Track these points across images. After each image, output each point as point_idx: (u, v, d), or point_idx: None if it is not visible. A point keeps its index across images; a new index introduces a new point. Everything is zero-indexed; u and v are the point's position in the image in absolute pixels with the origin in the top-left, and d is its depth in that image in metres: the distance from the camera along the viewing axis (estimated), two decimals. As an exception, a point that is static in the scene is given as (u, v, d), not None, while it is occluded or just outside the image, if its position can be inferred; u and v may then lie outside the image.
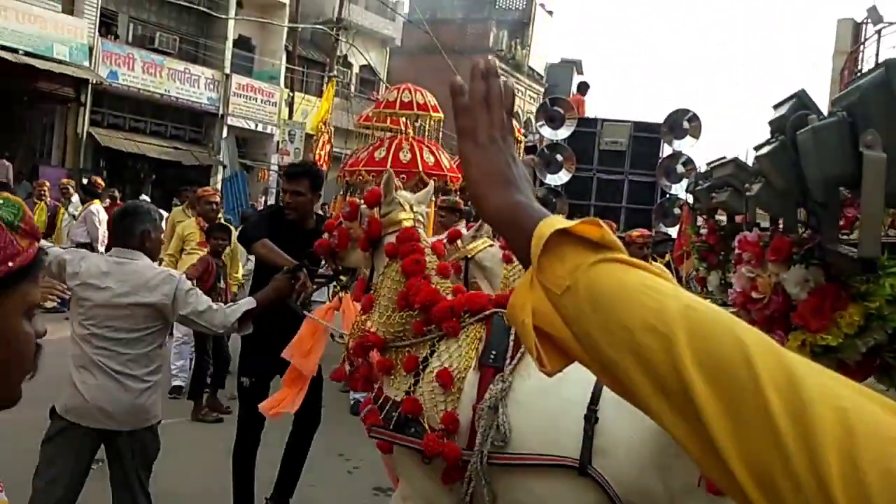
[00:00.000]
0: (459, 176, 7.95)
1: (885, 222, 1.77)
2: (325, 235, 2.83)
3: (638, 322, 0.60)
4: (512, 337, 2.26)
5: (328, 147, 9.20)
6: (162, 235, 3.39)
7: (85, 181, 10.52)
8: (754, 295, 1.68)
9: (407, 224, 2.55)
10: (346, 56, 22.15)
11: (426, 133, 8.09)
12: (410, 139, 7.62)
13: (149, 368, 2.81)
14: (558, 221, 0.69)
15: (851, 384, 0.53)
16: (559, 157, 9.81)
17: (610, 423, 2.02)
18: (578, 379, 2.04)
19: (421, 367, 2.33)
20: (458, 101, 0.82)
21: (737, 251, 1.82)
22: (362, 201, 2.71)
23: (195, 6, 19.21)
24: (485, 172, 0.78)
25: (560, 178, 9.78)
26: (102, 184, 10.02)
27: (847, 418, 0.49)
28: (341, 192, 9.54)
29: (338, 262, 2.83)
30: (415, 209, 2.62)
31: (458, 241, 3.91)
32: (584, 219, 0.67)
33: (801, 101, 1.56)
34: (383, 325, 2.43)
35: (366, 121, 9.21)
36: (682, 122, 9.84)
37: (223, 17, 19.59)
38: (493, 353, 2.26)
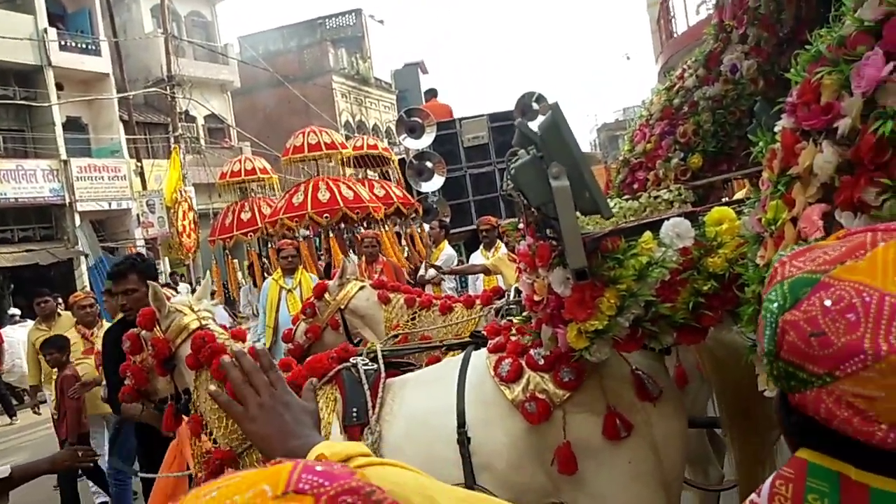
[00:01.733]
0: (381, 205, 8.02)
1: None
2: (126, 382, 2.58)
3: None
4: (367, 387, 2.28)
5: (191, 214, 8.89)
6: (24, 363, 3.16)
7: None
8: (535, 298, 1.86)
9: (193, 326, 2.45)
10: (187, 111, 21.32)
11: (331, 171, 8.17)
12: (326, 179, 7.58)
13: None
14: (321, 448, 0.81)
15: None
16: (429, 164, 10.00)
17: (482, 439, 2.11)
18: (439, 408, 2.16)
19: None
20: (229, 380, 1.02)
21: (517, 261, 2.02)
22: (138, 328, 2.53)
23: (12, 101, 17.85)
24: (264, 437, 0.96)
25: (434, 183, 9.97)
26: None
27: None
28: (221, 256, 9.26)
29: (154, 399, 2.64)
30: (195, 308, 2.53)
31: (326, 295, 3.77)
32: (344, 444, 0.79)
33: (521, 130, 1.73)
34: (224, 436, 2.31)
35: (233, 176, 9.07)
36: (532, 105, 10.31)
37: (45, 104, 18.29)
38: (355, 409, 2.26)
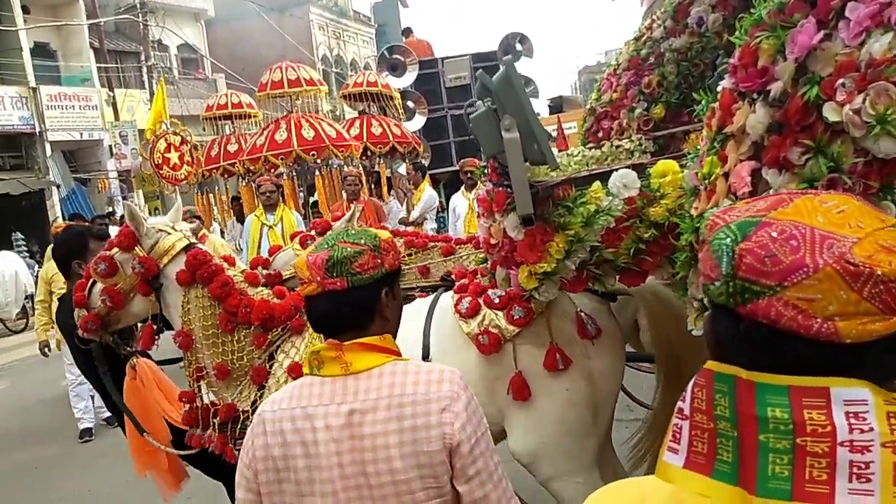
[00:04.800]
0: (360, 144, 7.88)
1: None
2: (84, 312, 2.51)
3: None
4: None
5: (185, 147, 8.67)
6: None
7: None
8: (492, 241, 1.99)
9: (181, 245, 2.46)
10: (159, 40, 20.68)
11: (310, 108, 8.00)
12: (307, 116, 7.46)
13: None
14: None
15: None
16: (410, 104, 9.93)
17: None
18: (409, 339, 2.28)
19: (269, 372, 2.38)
20: None
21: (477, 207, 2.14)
22: (114, 249, 2.48)
23: (-26, 24, 17.16)
24: None
25: (415, 123, 9.92)
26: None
27: None
28: (205, 190, 9.16)
29: (112, 330, 2.57)
30: (177, 227, 2.53)
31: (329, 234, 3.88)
32: None
33: (482, 82, 1.78)
34: (219, 353, 2.40)
35: (220, 108, 8.92)
36: (515, 45, 10.21)
37: (11, 28, 17.59)
38: None
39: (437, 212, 8.41)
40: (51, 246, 5.33)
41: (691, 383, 0.79)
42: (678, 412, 0.79)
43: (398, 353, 1.42)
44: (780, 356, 0.71)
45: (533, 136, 1.57)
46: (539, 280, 1.83)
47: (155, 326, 2.53)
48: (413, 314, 2.46)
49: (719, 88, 1.57)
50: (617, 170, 1.79)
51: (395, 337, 1.44)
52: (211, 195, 9.37)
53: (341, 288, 1.35)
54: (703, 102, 1.62)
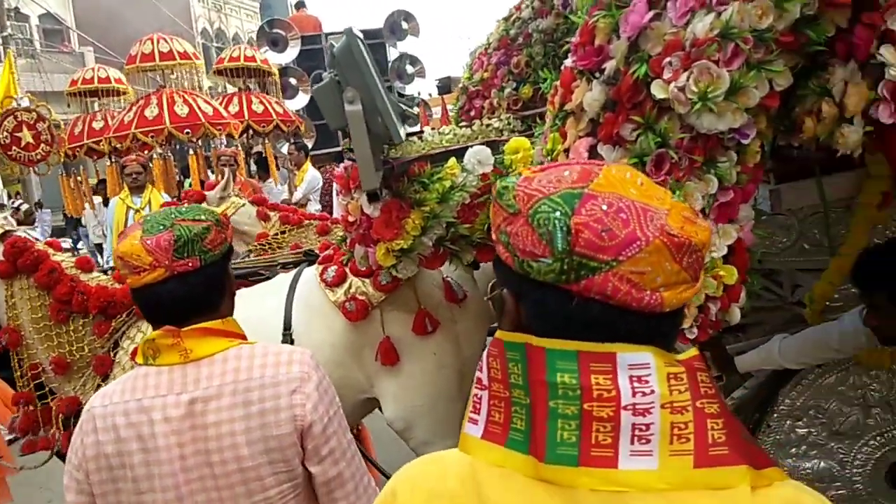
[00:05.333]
0: (238, 122, 7.56)
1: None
2: None
3: None
4: None
5: (43, 124, 7.97)
6: None
7: None
8: (350, 218, 1.99)
9: None
10: (17, 9, 18.93)
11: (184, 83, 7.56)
12: (180, 92, 7.04)
13: None
14: None
15: None
16: (293, 81, 9.59)
17: (304, 339, 2.29)
18: (269, 314, 2.27)
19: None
20: None
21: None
22: None
23: None
24: None
25: (299, 101, 9.62)
26: None
27: None
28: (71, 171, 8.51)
29: None
30: None
31: (203, 205, 3.76)
32: None
33: (332, 52, 1.75)
34: (55, 347, 2.27)
35: (85, 83, 8.29)
36: (401, 23, 10.10)
37: None
38: None
39: (322, 194, 8.27)
40: None
41: (485, 353, 0.79)
42: (477, 382, 0.79)
43: (243, 336, 1.37)
44: (614, 331, 0.71)
45: (376, 110, 1.55)
46: (396, 257, 1.83)
47: None
48: (270, 292, 2.44)
49: (563, 67, 1.62)
50: (471, 146, 1.81)
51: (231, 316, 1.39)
52: (78, 177, 8.73)
53: (193, 268, 1.28)
54: (548, 81, 1.66)
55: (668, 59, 1.42)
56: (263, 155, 8.58)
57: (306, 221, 3.47)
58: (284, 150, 8.53)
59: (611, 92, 1.48)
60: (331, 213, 7.37)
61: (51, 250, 2.33)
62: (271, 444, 1.25)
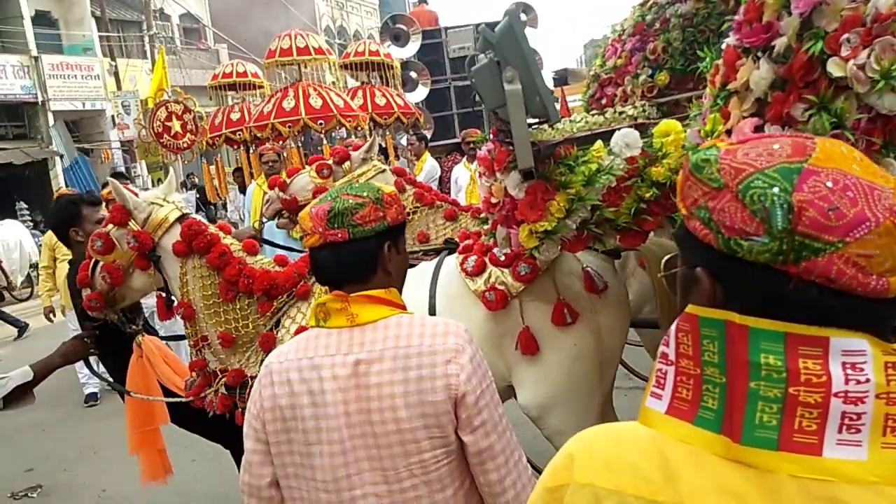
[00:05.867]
0: (366, 115, 7.83)
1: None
2: (88, 290, 2.52)
3: None
4: None
5: (188, 116, 8.59)
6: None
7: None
8: (493, 200, 1.98)
9: (174, 216, 2.45)
10: (161, 9, 20.49)
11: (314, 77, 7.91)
12: (314, 85, 7.38)
13: None
14: None
15: None
16: (413, 74, 9.83)
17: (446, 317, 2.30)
18: (414, 301, 2.24)
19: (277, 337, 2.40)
20: None
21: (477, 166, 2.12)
22: (109, 226, 2.47)
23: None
24: None
25: (418, 94, 9.83)
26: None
27: None
28: (211, 159, 9.09)
29: (118, 307, 2.59)
30: (170, 199, 2.52)
31: (347, 164, 3.60)
32: None
33: (484, 36, 1.76)
34: (222, 322, 2.41)
35: (225, 77, 8.83)
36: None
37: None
38: None
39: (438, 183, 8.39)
40: None
41: (673, 328, 0.76)
42: (662, 357, 0.77)
43: (403, 307, 1.44)
44: (828, 315, 0.67)
45: (535, 89, 1.57)
46: (539, 239, 1.83)
47: (164, 297, 2.55)
48: (418, 276, 2.49)
49: (724, 46, 1.56)
50: (619, 129, 1.78)
51: (400, 293, 1.46)
52: (216, 165, 9.35)
53: (342, 239, 1.37)
54: (707, 60, 1.60)
55: (846, 36, 1.34)
56: (383, 146, 8.81)
57: (437, 203, 3.48)
58: (403, 141, 8.72)
59: (780, 70, 1.41)
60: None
61: (221, 233, 2.50)
62: (427, 410, 1.30)
